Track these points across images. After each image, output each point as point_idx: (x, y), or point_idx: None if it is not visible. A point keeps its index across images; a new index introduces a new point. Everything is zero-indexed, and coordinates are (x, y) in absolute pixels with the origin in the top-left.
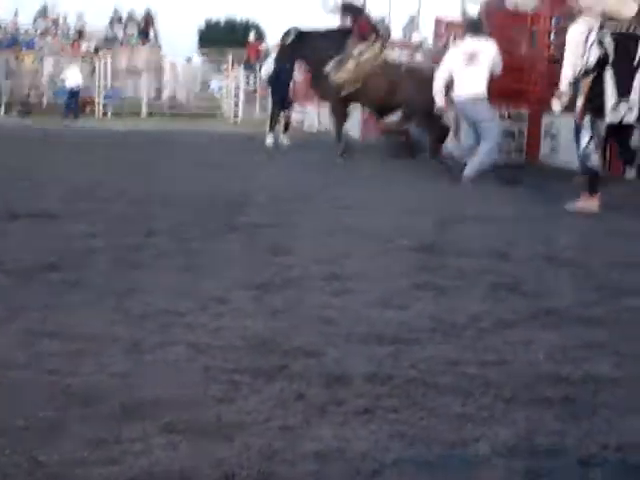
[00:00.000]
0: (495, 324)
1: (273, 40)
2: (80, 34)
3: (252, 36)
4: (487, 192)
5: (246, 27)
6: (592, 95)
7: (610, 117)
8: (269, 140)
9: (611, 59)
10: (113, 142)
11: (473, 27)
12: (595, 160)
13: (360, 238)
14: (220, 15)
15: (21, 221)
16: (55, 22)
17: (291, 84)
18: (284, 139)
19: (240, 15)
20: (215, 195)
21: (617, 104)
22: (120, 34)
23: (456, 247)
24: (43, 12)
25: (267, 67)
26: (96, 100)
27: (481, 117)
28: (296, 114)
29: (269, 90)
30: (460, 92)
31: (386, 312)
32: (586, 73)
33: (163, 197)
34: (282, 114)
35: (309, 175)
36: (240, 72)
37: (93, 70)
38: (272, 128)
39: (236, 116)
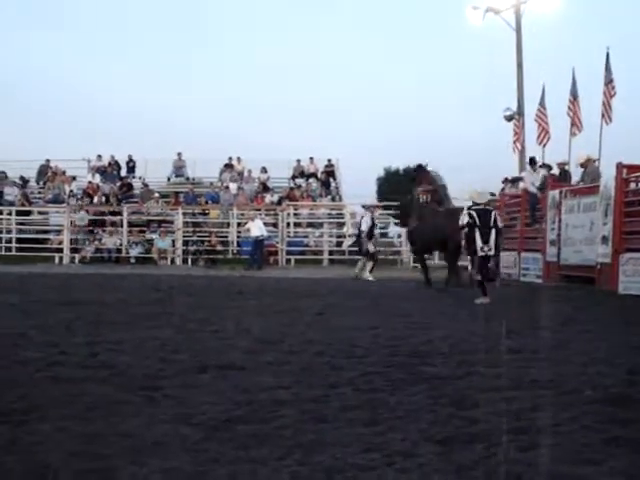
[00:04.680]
0: None
1: (452, 188)
2: (264, 187)
3: None
4: None
5: None
6: (469, 244)
7: (480, 253)
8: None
9: (477, 223)
10: (297, 291)
11: None
12: (478, 277)
13: (545, 389)
14: (399, 163)
15: (209, 373)
16: (240, 175)
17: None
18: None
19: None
20: (398, 344)
21: (482, 247)
22: (303, 186)
23: None
24: (229, 166)
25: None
26: (279, 250)
27: None
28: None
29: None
30: None
31: (577, 468)
32: (461, 228)
33: (347, 347)
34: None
35: (489, 323)
36: None
37: (276, 221)
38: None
39: (415, 262)
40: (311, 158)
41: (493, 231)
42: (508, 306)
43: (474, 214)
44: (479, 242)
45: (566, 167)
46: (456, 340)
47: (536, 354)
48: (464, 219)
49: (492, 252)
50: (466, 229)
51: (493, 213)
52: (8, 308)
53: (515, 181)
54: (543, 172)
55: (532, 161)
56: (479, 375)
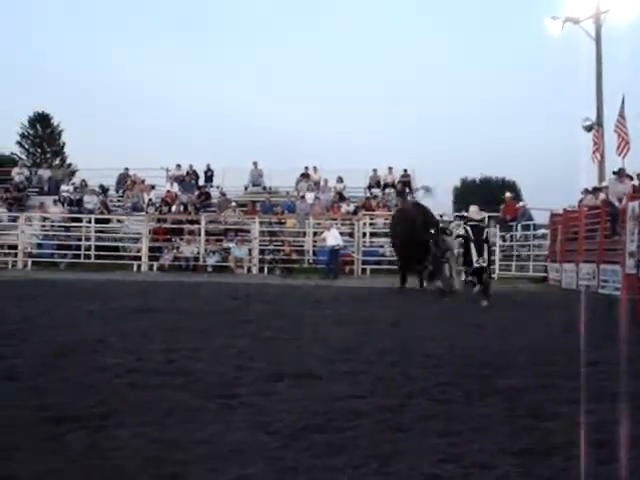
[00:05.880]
0: None
1: (530, 198)
2: (340, 196)
3: (508, 194)
4: None
5: (502, 185)
6: (465, 256)
7: (475, 265)
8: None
9: (472, 238)
10: (373, 300)
11: None
12: (478, 285)
13: (624, 402)
14: (476, 174)
15: (286, 381)
16: (316, 184)
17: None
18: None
19: (496, 173)
20: (472, 355)
21: (477, 259)
22: (379, 196)
23: None
24: (305, 175)
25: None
26: (355, 259)
27: None
28: (554, 272)
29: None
30: None
31: None
32: (455, 237)
33: (421, 357)
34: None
35: (565, 334)
36: (496, 230)
37: (352, 230)
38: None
39: (492, 273)
40: (390, 168)
41: (485, 245)
42: (585, 318)
43: (468, 229)
44: (474, 255)
45: None
46: (532, 351)
47: (615, 366)
48: (459, 231)
49: (485, 264)
50: (462, 242)
51: (485, 230)
52: (87, 315)
53: (595, 191)
54: (629, 183)
55: (619, 172)
56: (556, 387)
